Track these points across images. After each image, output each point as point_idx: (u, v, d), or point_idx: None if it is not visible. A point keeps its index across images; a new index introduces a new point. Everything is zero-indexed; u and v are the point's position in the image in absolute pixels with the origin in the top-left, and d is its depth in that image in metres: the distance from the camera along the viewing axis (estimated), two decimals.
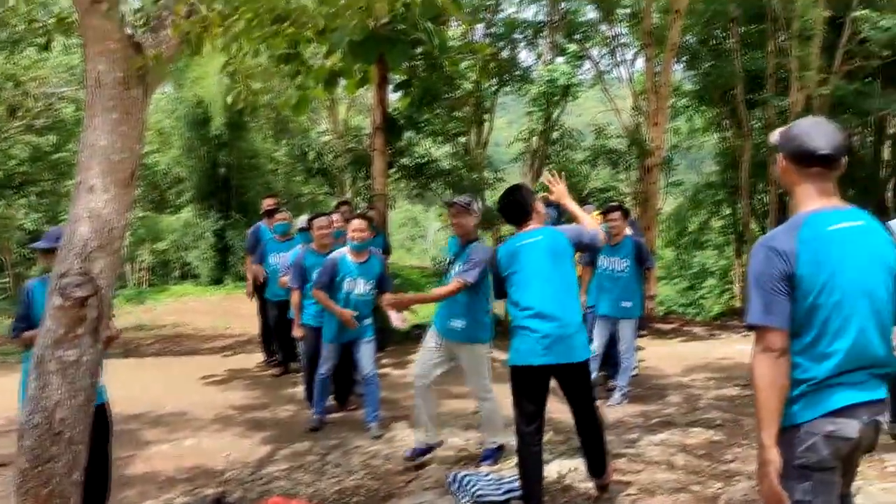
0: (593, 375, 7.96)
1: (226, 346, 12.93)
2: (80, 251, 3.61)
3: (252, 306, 10.38)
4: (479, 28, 20.44)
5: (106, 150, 3.68)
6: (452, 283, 5.71)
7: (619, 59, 22.78)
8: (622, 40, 22.01)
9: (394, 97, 13.25)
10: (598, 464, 5.07)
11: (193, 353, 12.33)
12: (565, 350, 4.79)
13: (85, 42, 3.71)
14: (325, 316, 7.15)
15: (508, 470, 5.69)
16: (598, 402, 7.25)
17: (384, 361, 10.45)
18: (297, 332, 7.75)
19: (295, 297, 7.67)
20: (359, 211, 10.59)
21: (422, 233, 51.30)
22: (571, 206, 5.24)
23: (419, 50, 11.06)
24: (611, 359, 8.35)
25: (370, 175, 13.06)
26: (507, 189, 5.38)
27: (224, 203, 24.95)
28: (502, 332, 13.57)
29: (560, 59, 20.58)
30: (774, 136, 2.95)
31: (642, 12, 16.58)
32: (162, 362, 11.57)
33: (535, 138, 17.91)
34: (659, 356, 10.52)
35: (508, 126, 36.69)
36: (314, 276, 7.30)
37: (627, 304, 7.98)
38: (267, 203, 10.34)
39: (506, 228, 20.96)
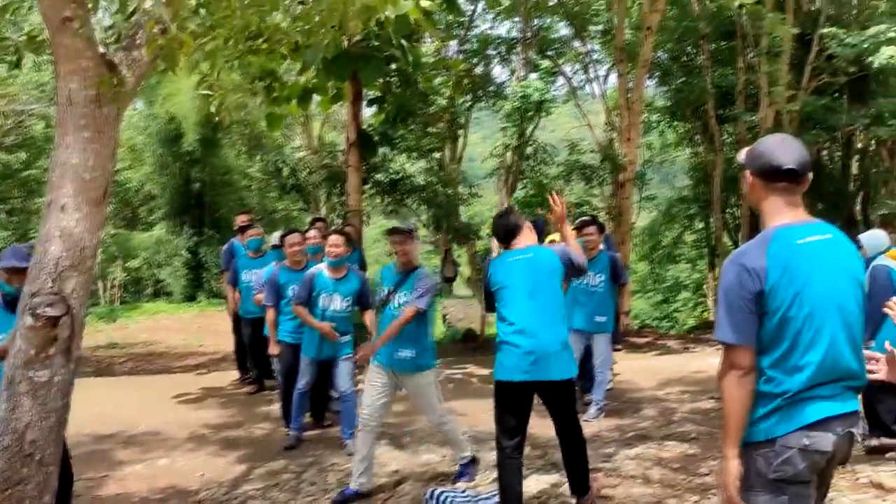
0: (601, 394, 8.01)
1: (199, 363, 12.82)
2: (51, 270, 3.58)
3: (226, 323, 10.31)
4: (453, 44, 20.55)
5: (78, 169, 3.65)
6: (409, 311, 5.58)
7: (591, 75, 23.04)
8: (595, 57, 22.24)
9: (368, 113, 13.28)
10: (580, 483, 5.06)
11: (166, 372, 12.22)
12: (548, 367, 4.80)
13: (56, 60, 3.69)
14: (304, 331, 7.11)
15: (485, 486, 5.68)
16: None
17: (360, 377, 10.41)
18: (273, 350, 7.70)
19: (270, 315, 7.62)
20: (334, 227, 10.57)
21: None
22: (566, 228, 5.28)
23: (393, 66, 11.13)
24: (586, 373, 8.37)
25: (345, 191, 13.04)
26: (499, 212, 5.57)
27: (197, 220, 24.84)
28: (478, 347, 13.62)
29: (533, 76, 20.73)
30: (741, 155, 3.00)
31: (615, 29, 16.75)
32: (134, 381, 11.46)
33: (509, 154, 17.99)
34: (633, 370, 10.56)
35: (483, 141, 36.76)
36: (289, 292, 7.26)
37: (601, 319, 8.00)
38: (240, 219, 10.29)
39: (480, 244, 21.05)
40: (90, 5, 3.83)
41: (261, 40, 4.46)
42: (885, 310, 3.10)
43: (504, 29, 24.03)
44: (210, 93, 4.58)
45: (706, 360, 11.20)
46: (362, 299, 6.98)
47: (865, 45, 14.47)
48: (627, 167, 15.47)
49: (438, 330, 16.69)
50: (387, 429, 7.71)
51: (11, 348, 3.60)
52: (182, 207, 24.92)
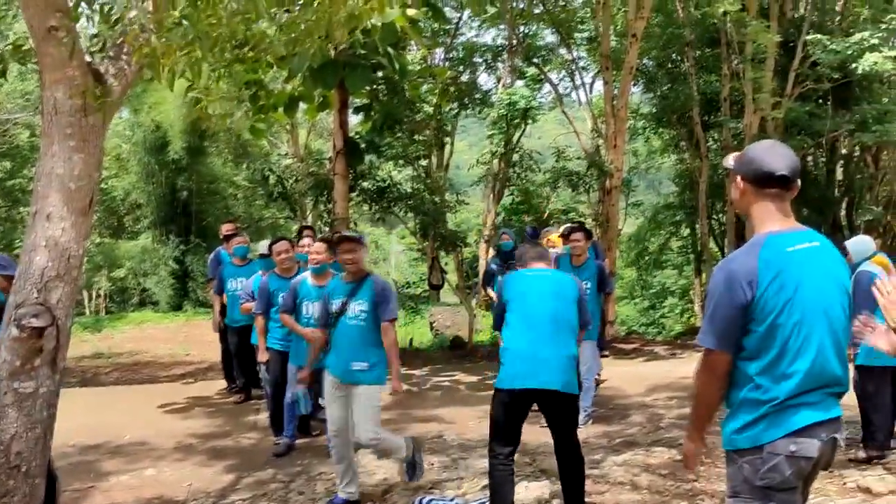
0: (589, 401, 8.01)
1: (186, 373, 12.76)
2: (37, 280, 3.56)
3: (212, 332, 10.27)
4: (439, 52, 20.61)
5: (63, 178, 3.64)
6: (389, 327, 5.58)
7: (577, 82, 23.11)
8: (581, 64, 22.31)
9: (354, 121, 13.27)
10: (575, 497, 5.05)
11: (153, 381, 12.15)
12: (550, 378, 4.79)
13: (41, 69, 3.68)
14: (293, 340, 7.09)
15: (474, 493, 5.68)
16: None
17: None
18: (262, 357, 7.67)
19: (259, 322, 7.60)
20: (321, 235, 10.56)
21: (384, 256, 51.20)
22: None
23: (380, 74, 11.13)
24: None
25: (331, 199, 13.02)
26: (530, 240, 5.62)
27: (183, 228, 24.75)
28: (465, 355, 13.61)
29: (519, 83, 20.84)
30: (729, 160, 3.01)
31: (600, 36, 16.80)
32: (120, 391, 11.39)
33: (495, 161, 18.02)
34: (621, 376, 10.58)
35: (469, 149, 36.84)
36: (279, 300, 7.25)
37: (589, 326, 8.00)
38: (226, 228, 10.26)
39: (467, 251, 21.06)
40: (75, 15, 3.82)
41: (246, 48, 4.45)
42: (874, 290, 3.10)
43: (490, 36, 24.03)
44: (200, 97, 4.56)
45: (693, 366, 11.21)
46: None
47: (849, 52, 14.58)
48: (614, 174, 15.51)
49: (426, 337, 16.68)
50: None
51: None
52: (168, 216, 24.83)
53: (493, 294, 9.74)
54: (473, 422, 8.29)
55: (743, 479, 2.77)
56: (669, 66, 20.57)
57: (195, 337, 17.22)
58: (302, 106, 10.92)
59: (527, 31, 21.06)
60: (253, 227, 25.21)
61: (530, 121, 17.71)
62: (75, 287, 3.72)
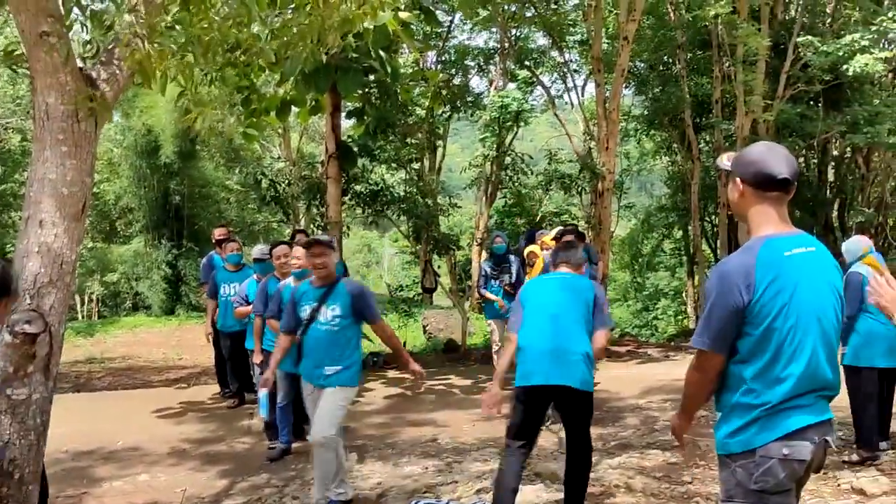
0: None
1: (179, 377, 12.72)
2: (29, 287, 3.55)
3: (205, 336, 10.25)
4: (431, 55, 20.64)
5: (56, 184, 3.62)
6: (385, 325, 5.69)
7: (569, 84, 23.15)
8: (573, 66, 22.35)
9: (347, 124, 13.26)
10: (575, 498, 5.05)
11: (146, 386, 12.11)
12: (565, 374, 4.83)
13: (33, 74, 3.67)
14: None
15: (468, 497, 5.67)
16: (557, 427, 7.30)
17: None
18: (257, 359, 7.64)
19: (257, 324, 7.58)
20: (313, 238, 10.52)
21: (377, 259, 51.26)
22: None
23: (372, 78, 11.12)
24: None
25: (324, 202, 13.01)
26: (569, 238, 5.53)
27: (176, 232, 24.65)
28: (459, 358, 13.60)
29: (511, 85, 20.87)
30: (723, 161, 2.99)
31: (592, 39, 16.83)
32: (113, 396, 11.35)
33: (487, 164, 18.04)
34: (615, 378, 10.58)
35: (461, 152, 36.91)
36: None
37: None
38: (218, 233, 10.24)
39: (460, 254, 21.08)
40: (68, 24, 3.81)
41: (238, 52, 4.44)
42: (869, 289, 3.11)
43: (482, 39, 24.10)
44: (191, 106, 4.55)
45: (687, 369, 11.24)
46: None
47: (840, 53, 14.64)
48: (606, 176, 15.53)
49: (419, 341, 16.66)
50: (368, 441, 7.70)
51: None
52: (160, 220, 24.73)
53: (488, 295, 9.76)
54: (468, 425, 8.28)
55: (737, 483, 2.76)
56: (661, 68, 20.64)
57: (188, 341, 17.17)
58: (294, 110, 10.94)
59: (518, 33, 21.11)
60: (245, 231, 25.17)
61: (522, 123, 17.77)
62: (68, 293, 3.71)
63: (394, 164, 16.00)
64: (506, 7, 18.55)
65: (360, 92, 11.69)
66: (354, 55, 9.99)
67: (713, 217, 22.03)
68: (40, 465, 3.63)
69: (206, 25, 3.88)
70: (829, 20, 18.40)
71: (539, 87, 22.43)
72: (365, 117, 12.63)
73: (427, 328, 17.24)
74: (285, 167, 17.66)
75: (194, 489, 6.42)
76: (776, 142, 14.17)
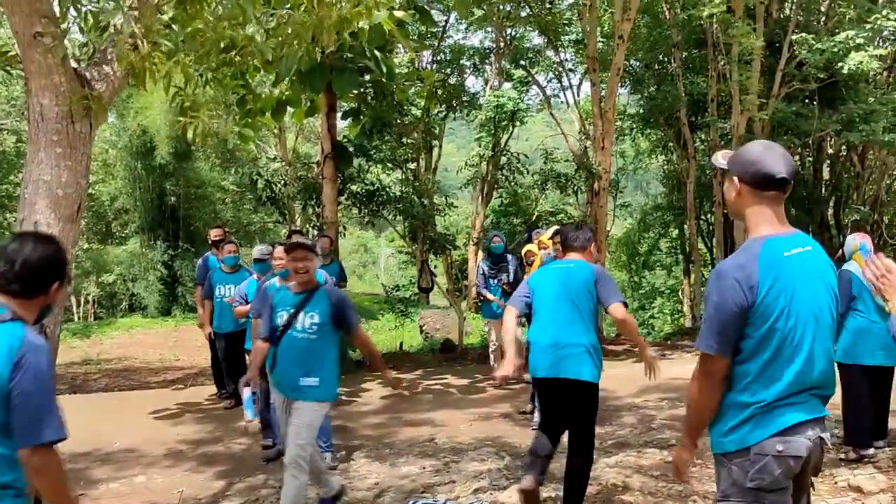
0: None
1: (176, 378, 12.71)
2: None
3: (202, 337, 10.24)
4: (427, 55, 20.64)
5: (51, 185, 3.62)
6: (364, 335, 5.44)
7: (565, 84, 23.14)
8: (568, 66, 22.35)
9: (343, 124, 13.24)
10: (574, 497, 5.05)
11: (143, 387, 12.10)
12: (566, 366, 4.95)
13: (27, 75, 3.66)
14: None
15: (466, 497, 5.67)
16: None
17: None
18: None
19: (256, 324, 7.55)
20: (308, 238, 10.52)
21: (373, 259, 51.25)
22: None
23: (367, 78, 11.12)
24: None
25: (320, 203, 12.99)
26: (579, 227, 5.54)
27: (172, 233, 24.67)
28: (456, 357, 13.60)
29: (507, 85, 20.88)
30: (718, 159, 2.98)
31: (587, 38, 16.82)
32: (110, 397, 11.33)
33: (483, 163, 18.03)
34: (611, 377, 10.55)
35: (457, 151, 36.92)
36: None
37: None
38: (214, 233, 10.22)
39: (456, 254, 21.07)
40: (64, 28, 3.80)
41: (234, 53, 4.44)
42: (868, 274, 3.09)
43: (477, 39, 24.11)
44: (181, 118, 4.53)
45: (684, 367, 11.22)
46: None
47: (835, 50, 14.66)
48: (602, 175, 15.54)
49: (416, 340, 16.66)
50: (365, 441, 7.70)
51: None
52: (156, 221, 24.74)
53: (489, 296, 9.77)
54: (465, 425, 8.28)
55: (732, 481, 2.76)
56: (656, 67, 20.65)
57: (185, 342, 17.16)
58: (290, 110, 10.94)
59: (514, 33, 21.11)
60: (241, 231, 25.16)
61: (518, 123, 17.78)
62: (64, 294, 3.70)
63: (390, 164, 15.99)
64: (501, 6, 18.55)
65: (355, 92, 11.69)
66: (350, 55, 9.99)
67: (709, 215, 22.05)
68: None
69: (201, 25, 3.88)
70: (823, 18, 18.42)
71: (534, 87, 22.46)
72: (361, 117, 12.62)
73: (424, 328, 17.24)
74: (281, 167, 17.61)
75: (191, 490, 6.41)
76: (771, 140, 14.14)
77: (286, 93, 9.84)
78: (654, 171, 26.53)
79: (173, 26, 3.77)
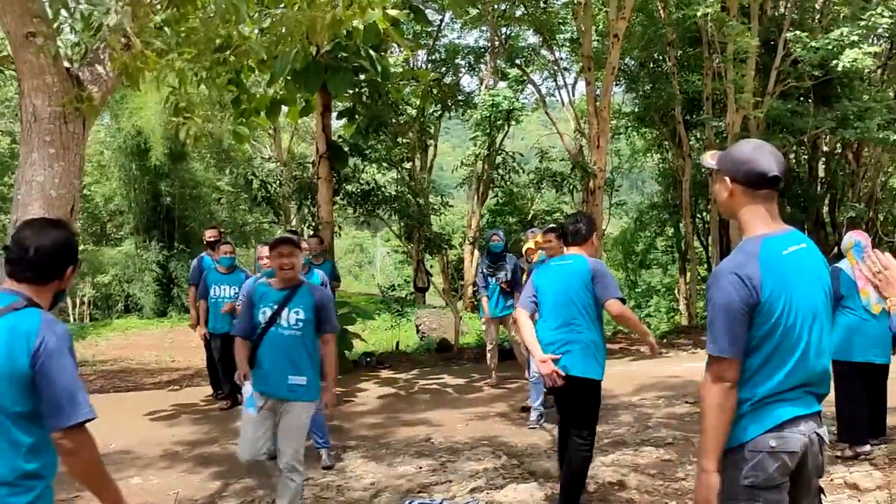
0: (538, 401, 8.01)
1: (172, 380, 12.68)
2: None
3: (197, 338, 10.21)
4: (422, 54, 20.64)
5: (44, 186, 3.60)
6: (333, 340, 5.23)
7: (560, 82, 23.17)
8: (563, 64, 22.37)
9: (338, 124, 13.23)
10: (570, 494, 5.04)
11: (138, 389, 12.07)
12: (565, 363, 4.98)
13: (20, 76, 3.64)
14: None
15: (462, 496, 5.66)
16: (550, 425, 7.30)
17: (334, 390, 10.35)
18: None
19: None
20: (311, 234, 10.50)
21: (369, 259, 51.23)
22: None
23: (362, 77, 11.10)
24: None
25: (315, 203, 12.98)
26: (575, 213, 5.55)
27: (167, 234, 24.64)
28: (452, 357, 13.59)
29: (502, 84, 20.89)
30: (707, 159, 2.96)
31: (582, 37, 16.82)
32: (106, 399, 11.29)
33: (479, 162, 18.03)
34: (608, 376, 10.53)
35: (453, 151, 36.90)
36: None
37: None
38: (209, 234, 10.19)
39: (452, 253, 21.07)
40: (56, 28, 3.79)
41: (228, 52, 4.42)
42: (864, 271, 3.08)
43: (472, 38, 24.18)
44: (174, 118, 4.51)
45: (681, 365, 11.26)
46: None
47: (830, 48, 14.67)
48: (597, 174, 15.53)
49: (412, 340, 16.65)
50: (362, 441, 7.68)
51: None
52: (151, 222, 24.71)
53: (483, 302, 9.77)
54: (461, 425, 8.27)
55: (727, 480, 2.74)
56: (651, 65, 20.67)
57: (180, 343, 17.13)
58: (284, 109, 10.92)
59: (509, 32, 21.12)
60: (237, 232, 25.14)
61: (513, 122, 17.79)
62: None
63: (385, 164, 15.99)
64: (495, 6, 18.55)
65: (350, 91, 11.68)
66: (344, 55, 9.98)
67: (704, 213, 22.08)
68: None
69: (196, 24, 3.86)
70: (818, 16, 18.43)
71: (530, 86, 22.48)
72: (356, 117, 12.62)
73: (420, 328, 17.23)
74: (276, 168, 17.63)
75: (187, 492, 6.40)
76: (766, 138, 14.10)
77: (281, 92, 9.82)
78: (649, 169, 26.55)
79: (165, 29, 3.75)
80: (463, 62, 21.61)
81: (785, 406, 2.69)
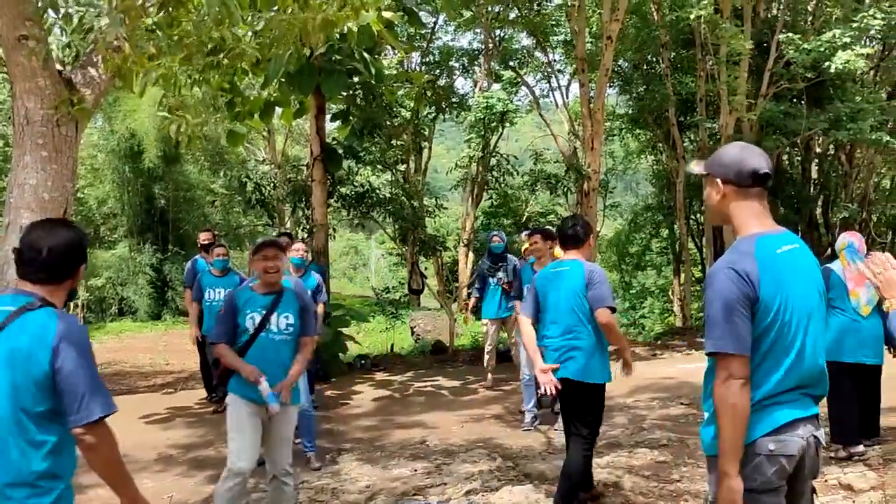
0: (530, 402, 8.01)
1: (166, 383, 12.65)
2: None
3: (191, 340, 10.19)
4: (415, 56, 20.65)
5: (37, 189, 3.59)
6: (310, 343, 5.13)
7: (554, 84, 23.19)
8: (557, 66, 22.39)
9: (332, 126, 13.22)
10: (566, 496, 5.04)
11: (133, 392, 12.03)
12: (565, 367, 5.05)
13: (12, 79, 3.63)
14: None
15: (458, 499, 5.66)
16: (545, 427, 7.30)
17: (328, 393, 10.36)
18: None
19: None
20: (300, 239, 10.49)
21: (364, 261, 51.16)
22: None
23: (356, 79, 11.10)
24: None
25: (310, 205, 12.96)
26: (571, 217, 5.58)
27: (161, 237, 24.58)
28: (447, 359, 13.58)
29: (496, 86, 20.91)
30: (693, 167, 2.97)
31: (576, 39, 16.85)
32: None
33: (473, 165, 18.04)
34: None
35: (447, 153, 36.93)
36: None
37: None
38: (203, 237, 10.18)
39: (446, 255, 21.06)
40: (45, 24, 3.77)
41: (221, 55, 4.41)
42: (865, 269, 3.09)
43: (466, 40, 24.19)
44: (168, 115, 4.50)
45: (675, 367, 11.26)
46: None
47: (822, 49, 14.71)
48: (592, 176, 15.55)
49: (406, 342, 16.64)
50: (356, 444, 7.67)
51: None
52: (145, 225, 24.65)
53: (470, 303, 9.79)
54: (456, 427, 8.27)
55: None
56: (645, 67, 20.71)
57: (175, 346, 17.10)
58: (278, 111, 10.91)
59: (502, 34, 21.14)
60: (231, 234, 25.08)
61: (508, 124, 17.78)
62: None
63: (379, 166, 15.98)
64: (489, 8, 18.56)
65: (344, 94, 11.67)
66: (338, 57, 9.97)
67: (698, 215, 22.12)
68: None
69: (189, 27, 3.85)
70: (810, 18, 18.50)
71: (524, 88, 22.51)
72: (350, 119, 12.61)
73: (415, 330, 17.21)
74: (270, 170, 17.59)
75: (181, 495, 6.38)
76: (759, 139, 14.12)
77: (275, 95, 9.81)
78: (643, 171, 26.59)
79: (157, 31, 3.74)
80: (457, 64, 21.63)
81: (782, 408, 2.69)
